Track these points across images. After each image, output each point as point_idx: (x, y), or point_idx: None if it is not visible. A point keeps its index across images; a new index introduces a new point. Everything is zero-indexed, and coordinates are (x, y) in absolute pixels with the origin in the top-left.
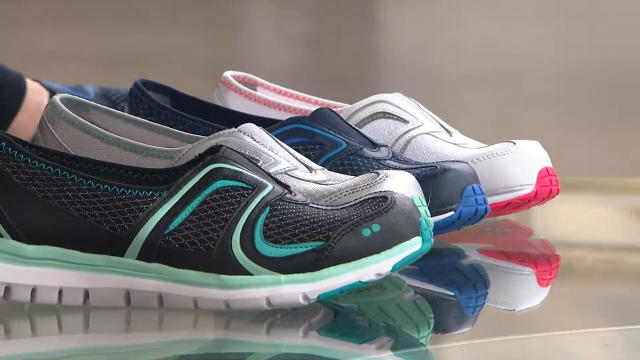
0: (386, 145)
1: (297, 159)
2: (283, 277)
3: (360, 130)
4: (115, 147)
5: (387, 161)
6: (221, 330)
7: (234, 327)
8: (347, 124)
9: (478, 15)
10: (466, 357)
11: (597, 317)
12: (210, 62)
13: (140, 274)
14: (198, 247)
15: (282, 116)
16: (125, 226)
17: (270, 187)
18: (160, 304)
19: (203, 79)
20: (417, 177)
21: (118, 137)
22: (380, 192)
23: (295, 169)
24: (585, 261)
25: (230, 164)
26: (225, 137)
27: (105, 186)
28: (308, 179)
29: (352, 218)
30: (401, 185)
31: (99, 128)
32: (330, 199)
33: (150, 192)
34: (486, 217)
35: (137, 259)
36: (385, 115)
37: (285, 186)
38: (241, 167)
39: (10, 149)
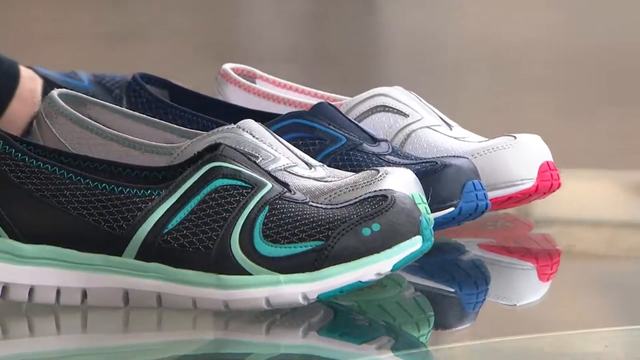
0: (386, 140)
1: (296, 155)
2: (282, 277)
3: (360, 124)
4: (114, 143)
5: (387, 156)
6: (220, 331)
7: (233, 327)
8: (347, 118)
9: None
10: (466, 355)
11: (597, 316)
12: (210, 40)
13: (139, 273)
14: (197, 247)
15: (281, 109)
16: (124, 225)
17: (269, 185)
18: (159, 303)
19: (203, 57)
20: (417, 172)
21: (116, 133)
22: (380, 190)
23: (294, 166)
24: (584, 238)
25: (229, 163)
26: (224, 133)
27: (104, 185)
28: (307, 175)
29: (351, 217)
30: (401, 182)
31: (97, 124)
32: (330, 196)
33: (149, 191)
34: (487, 211)
35: (135, 258)
36: (385, 108)
37: (285, 184)
38: (240, 165)
39: (7, 147)
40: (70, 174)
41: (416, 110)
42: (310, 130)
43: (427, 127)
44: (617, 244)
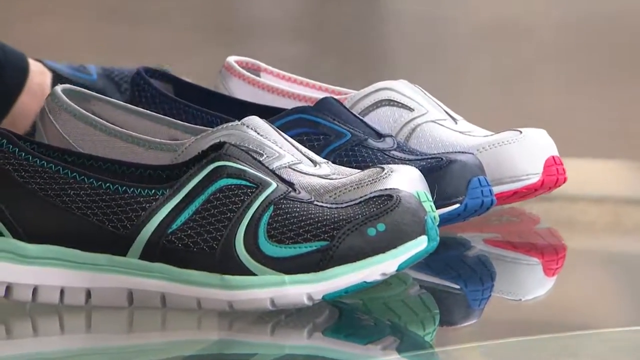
0: (391, 136)
1: (301, 152)
2: (287, 277)
3: (364, 119)
4: (118, 140)
5: (392, 152)
6: (224, 331)
7: (237, 327)
8: (352, 113)
9: None
10: (470, 354)
11: (603, 315)
12: (210, 14)
13: (143, 273)
14: (201, 247)
15: (286, 102)
16: (128, 225)
17: (274, 185)
18: (163, 304)
19: (204, 32)
20: (423, 169)
21: (120, 129)
22: (386, 189)
23: (299, 163)
24: (588, 214)
25: (234, 162)
26: (228, 130)
27: (108, 184)
28: (312, 172)
29: (357, 217)
30: (406, 180)
31: (101, 120)
32: (335, 194)
33: (153, 191)
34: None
35: (139, 258)
36: (390, 102)
37: (290, 184)
38: (245, 164)
39: (11, 147)
40: (74, 174)
41: (421, 104)
42: (314, 126)
43: (432, 121)
44: (622, 220)
